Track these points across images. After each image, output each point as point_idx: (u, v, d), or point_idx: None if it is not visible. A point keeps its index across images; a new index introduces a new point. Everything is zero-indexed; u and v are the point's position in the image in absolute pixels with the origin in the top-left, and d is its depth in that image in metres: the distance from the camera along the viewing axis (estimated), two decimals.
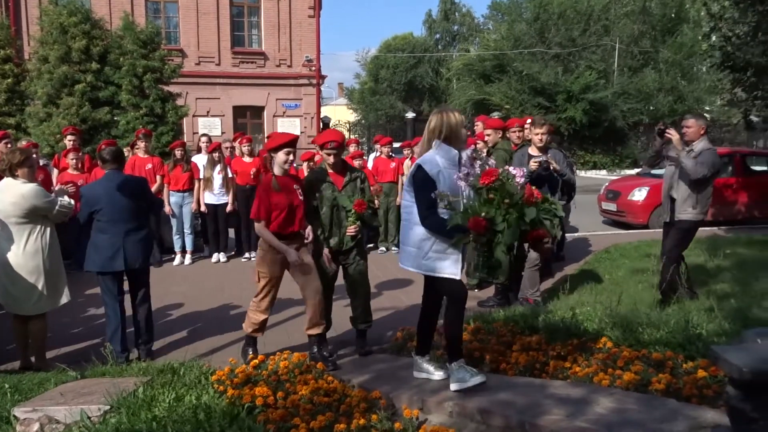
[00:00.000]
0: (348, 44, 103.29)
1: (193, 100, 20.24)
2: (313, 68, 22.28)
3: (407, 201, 3.71)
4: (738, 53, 10.00)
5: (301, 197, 4.57)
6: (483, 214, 3.19)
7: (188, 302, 6.47)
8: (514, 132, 6.41)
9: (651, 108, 26.25)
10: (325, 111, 24.56)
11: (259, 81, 21.89)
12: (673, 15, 25.62)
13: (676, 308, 4.80)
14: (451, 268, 3.60)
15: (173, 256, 8.56)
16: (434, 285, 3.76)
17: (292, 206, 4.48)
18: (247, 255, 8.76)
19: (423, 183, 3.54)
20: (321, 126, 21.56)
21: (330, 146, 4.64)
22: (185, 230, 8.53)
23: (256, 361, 4.08)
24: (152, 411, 3.24)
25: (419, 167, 3.60)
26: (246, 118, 22.31)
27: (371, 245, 9.33)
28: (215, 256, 8.66)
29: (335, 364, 4.44)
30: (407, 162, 9.22)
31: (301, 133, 21.21)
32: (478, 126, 7.78)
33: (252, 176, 8.58)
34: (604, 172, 25.23)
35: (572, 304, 5.31)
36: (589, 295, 5.91)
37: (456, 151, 3.65)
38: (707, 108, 26.73)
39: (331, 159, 4.66)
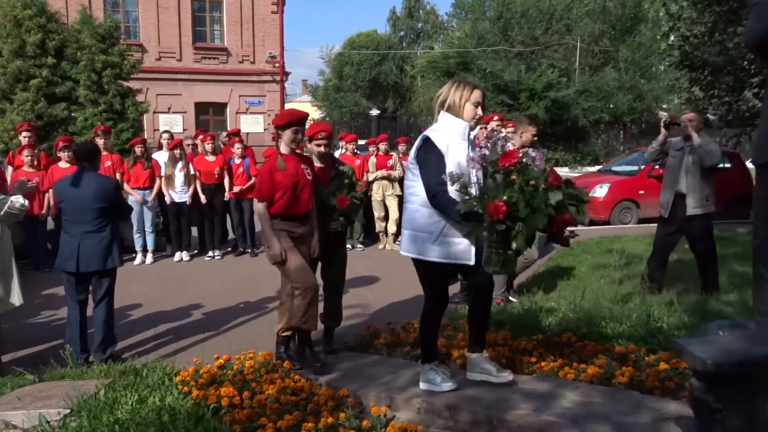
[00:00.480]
0: (312, 41, 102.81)
1: (154, 96, 19.86)
2: (277, 65, 22.08)
3: (411, 180, 3.38)
4: (696, 53, 10.27)
5: (309, 177, 4.29)
6: (504, 198, 2.82)
7: (150, 302, 6.34)
8: (481, 129, 6.44)
9: (611, 106, 26.78)
10: (288, 108, 24.39)
11: (221, 77, 21.61)
12: (631, 15, 26.16)
13: (637, 302, 4.89)
14: (465, 253, 3.30)
15: (134, 255, 8.39)
16: (444, 275, 3.47)
17: (297, 186, 4.19)
18: (210, 254, 8.63)
19: (431, 156, 3.25)
20: None
21: (321, 137, 4.48)
22: (146, 229, 8.36)
23: (221, 361, 4.02)
24: (114, 414, 3.17)
25: (426, 139, 3.31)
26: (208, 115, 22.00)
27: None
28: (178, 255, 8.51)
29: (323, 366, 4.15)
30: (372, 159, 9.21)
31: (265, 130, 20.99)
32: None
33: (216, 176, 8.46)
34: (566, 169, 25.66)
35: (537, 299, 5.37)
36: (553, 291, 5.99)
37: (466, 123, 3.35)
38: (665, 106, 27.39)
39: (322, 149, 4.50)
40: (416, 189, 3.33)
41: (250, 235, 8.93)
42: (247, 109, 22.13)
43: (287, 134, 4.24)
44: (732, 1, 8.83)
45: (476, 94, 3.36)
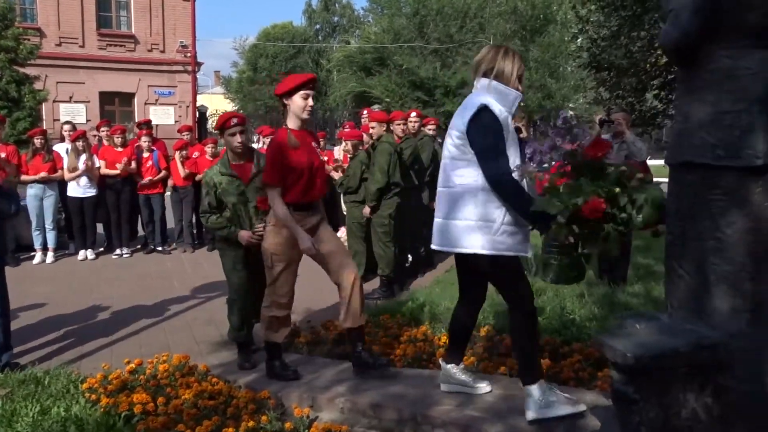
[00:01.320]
0: (225, 31, 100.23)
1: (54, 84, 18.71)
2: (188, 54, 21.33)
3: (460, 158, 2.81)
4: (602, 55, 10.80)
5: (321, 157, 3.85)
6: (603, 195, 2.25)
7: (52, 304, 5.94)
8: (399, 125, 6.47)
9: (522, 104, 27.61)
10: (201, 99, 23.63)
11: (129, 66, 20.62)
12: (541, 16, 27.09)
13: (551, 295, 5.05)
14: (524, 245, 2.83)
15: (33, 254, 7.85)
16: (497, 269, 2.87)
17: (312, 168, 3.65)
18: (118, 251, 8.21)
19: (492, 130, 2.71)
20: (197, 115, 20.69)
21: (233, 123, 3.95)
22: (47, 225, 7.84)
23: (132, 365, 3.81)
24: (13, 427, 2.93)
25: (485, 107, 2.73)
26: (114, 105, 20.95)
27: None
28: (82, 253, 8.03)
29: (388, 363, 3.70)
30: None
31: (176, 122, 20.24)
32: (365, 119, 7.79)
33: (120, 169, 8.00)
34: None
35: (455, 294, 5.42)
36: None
37: (517, 94, 2.86)
38: (572, 105, 28.60)
39: (239, 138, 3.95)
40: (469, 170, 2.77)
41: (161, 232, 8.57)
42: (157, 100, 21.25)
43: (296, 101, 3.59)
44: (636, 7, 9.33)
45: (523, 68, 2.93)
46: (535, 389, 2.81)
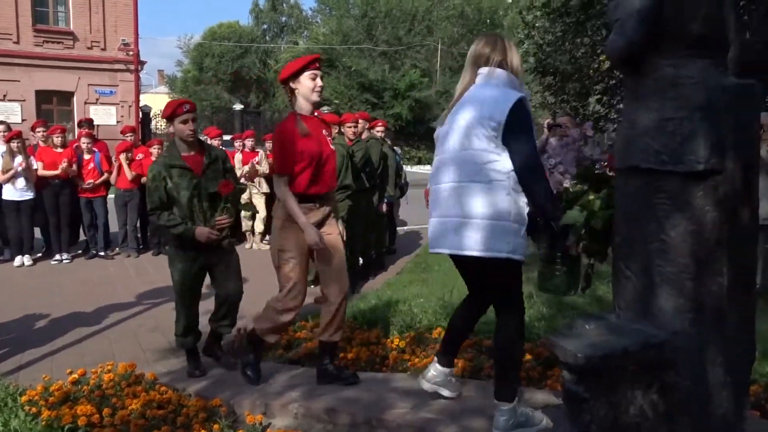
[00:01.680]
0: (169, 29, 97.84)
1: None
2: (131, 53, 20.73)
3: (491, 150, 2.58)
4: (548, 60, 11.07)
5: (332, 146, 3.58)
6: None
7: None
8: (350, 128, 6.45)
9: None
10: (144, 99, 22.99)
11: (67, 64, 19.88)
12: (488, 21, 27.55)
13: None
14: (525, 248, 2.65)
15: None
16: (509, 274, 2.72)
17: (321, 158, 3.41)
18: (57, 257, 7.90)
19: (529, 120, 2.59)
20: (140, 115, 20.13)
21: (184, 110, 3.65)
22: None
23: (75, 375, 3.67)
24: None
25: (522, 100, 2.59)
26: (52, 104, 20.16)
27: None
28: (18, 260, 7.69)
29: (356, 377, 3.55)
30: (238, 155, 8.91)
31: (118, 122, 19.65)
32: None
33: (61, 169, 7.69)
34: (428, 167, 26.53)
35: (406, 296, 5.46)
36: (422, 287, 6.13)
37: (523, 86, 2.78)
38: None
39: (191, 126, 3.66)
40: (502, 163, 2.56)
41: (104, 236, 8.30)
42: (98, 100, 20.56)
43: (304, 83, 3.37)
44: (579, 14, 9.60)
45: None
46: (509, 409, 2.69)
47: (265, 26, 42.38)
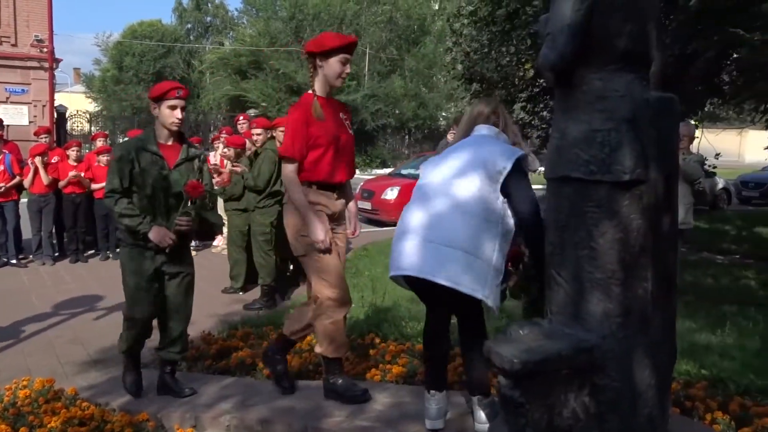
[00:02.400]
0: (85, 26, 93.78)
1: None
2: (45, 49, 19.71)
3: (488, 191, 2.60)
4: (475, 67, 11.32)
5: (350, 132, 3.31)
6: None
7: None
8: (282, 132, 6.35)
9: (397, 112, 28.34)
10: (59, 98, 21.90)
11: None
12: (416, 27, 27.88)
13: None
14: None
15: None
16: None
17: (339, 144, 3.16)
18: None
19: (527, 176, 2.69)
20: (56, 115, 19.17)
21: (177, 95, 3.31)
22: None
23: None
24: None
25: (525, 156, 2.72)
26: None
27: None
28: None
29: (366, 393, 3.24)
30: None
31: (30, 122, 18.63)
32: (243, 125, 7.58)
33: None
34: (356, 171, 26.56)
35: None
36: (353, 292, 6.09)
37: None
38: (444, 114, 29.70)
39: (179, 114, 3.32)
40: (496, 209, 2.60)
41: (15, 243, 7.82)
42: (8, 98, 19.39)
43: (332, 65, 3.13)
44: (505, 24, 9.87)
45: None
46: (489, 402, 2.79)
47: (189, 25, 41.29)
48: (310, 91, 3.22)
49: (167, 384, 3.58)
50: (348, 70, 3.19)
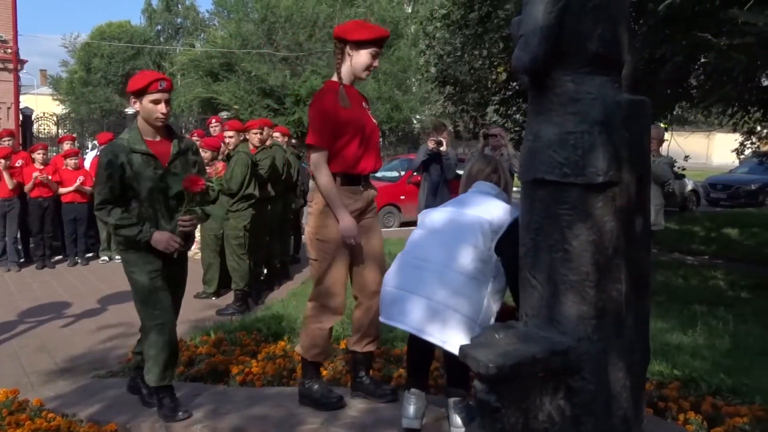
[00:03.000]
0: (51, 27, 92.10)
1: None
2: (9, 51, 19.27)
3: (482, 249, 2.59)
4: (448, 71, 11.37)
5: (374, 121, 3.17)
6: None
7: None
8: (255, 134, 6.29)
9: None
10: (25, 101, 21.43)
11: None
12: (390, 30, 27.92)
13: None
14: None
15: None
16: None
17: (365, 133, 3.03)
18: None
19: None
20: (21, 118, 18.75)
21: (161, 87, 3.06)
22: None
23: None
24: None
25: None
26: None
27: (90, 254, 8.41)
28: None
29: (395, 393, 3.17)
30: None
31: None
32: (216, 127, 7.48)
33: None
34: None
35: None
36: None
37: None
38: (418, 117, 29.75)
39: (164, 108, 3.07)
40: (489, 267, 2.58)
41: None
42: None
43: (363, 56, 3.01)
44: (478, 27, 9.92)
45: None
46: (466, 405, 2.78)
47: (159, 27, 40.83)
48: (334, 79, 3.09)
49: (140, 391, 3.43)
50: (377, 63, 3.09)
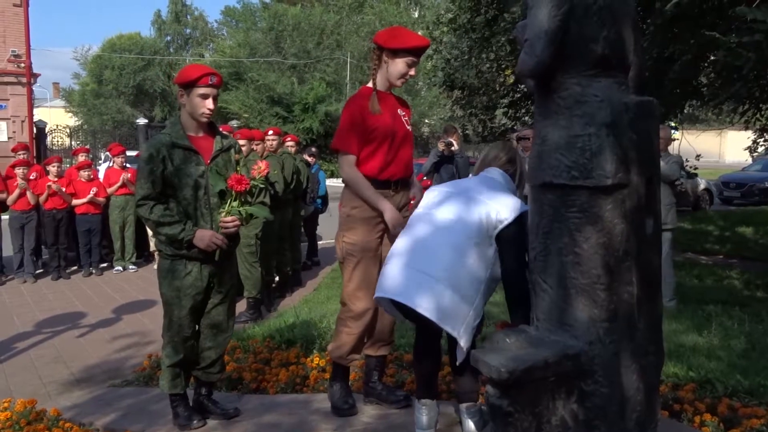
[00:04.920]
0: (63, 40, 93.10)
1: None
2: (23, 65, 19.52)
3: (485, 236, 2.59)
4: (456, 75, 11.39)
5: (408, 127, 3.12)
6: None
7: None
8: (259, 144, 6.32)
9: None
10: (38, 113, 21.67)
11: None
12: None
13: None
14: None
15: None
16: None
17: (394, 138, 3.00)
18: None
19: (525, 234, 2.51)
20: (35, 131, 18.96)
21: (211, 82, 3.00)
22: None
23: None
24: None
25: (527, 212, 2.48)
26: None
27: (104, 264, 8.48)
28: None
29: (408, 398, 3.16)
30: None
31: (9, 138, 18.42)
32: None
33: None
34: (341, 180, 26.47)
35: (325, 313, 5.40)
36: (334, 303, 6.08)
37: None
38: (427, 121, 29.78)
39: (211, 103, 3.00)
40: (488, 255, 2.60)
41: None
42: None
43: (398, 65, 2.98)
44: (485, 30, 9.93)
45: None
46: (477, 410, 2.79)
47: (168, 38, 41.23)
48: (369, 84, 3.09)
49: (205, 407, 3.27)
50: (413, 72, 3.04)
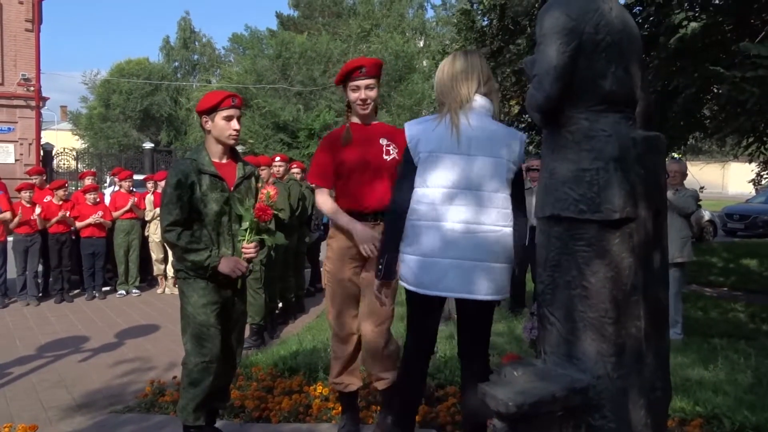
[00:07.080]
0: (72, 64, 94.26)
1: None
2: (32, 88, 19.75)
3: (506, 195, 2.65)
4: None
5: (388, 157, 3.06)
6: None
7: None
8: (264, 170, 6.36)
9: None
10: (46, 136, 21.85)
11: None
12: (401, 66, 28.24)
13: None
14: None
15: None
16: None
17: (367, 168, 3.02)
18: None
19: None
20: (41, 153, 19.11)
21: (233, 103, 3.05)
22: None
23: None
24: None
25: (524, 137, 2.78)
26: None
27: (107, 288, 8.47)
28: None
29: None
30: (149, 197, 8.58)
31: (17, 161, 18.57)
32: None
33: None
34: None
35: (328, 340, 5.37)
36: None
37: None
38: None
39: (236, 125, 3.05)
40: (511, 208, 2.66)
41: (1, 283, 7.71)
42: None
43: (349, 93, 3.08)
44: (490, 61, 10.01)
45: None
46: None
47: (176, 63, 41.76)
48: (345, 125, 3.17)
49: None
50: (363, 95, 3.02)
